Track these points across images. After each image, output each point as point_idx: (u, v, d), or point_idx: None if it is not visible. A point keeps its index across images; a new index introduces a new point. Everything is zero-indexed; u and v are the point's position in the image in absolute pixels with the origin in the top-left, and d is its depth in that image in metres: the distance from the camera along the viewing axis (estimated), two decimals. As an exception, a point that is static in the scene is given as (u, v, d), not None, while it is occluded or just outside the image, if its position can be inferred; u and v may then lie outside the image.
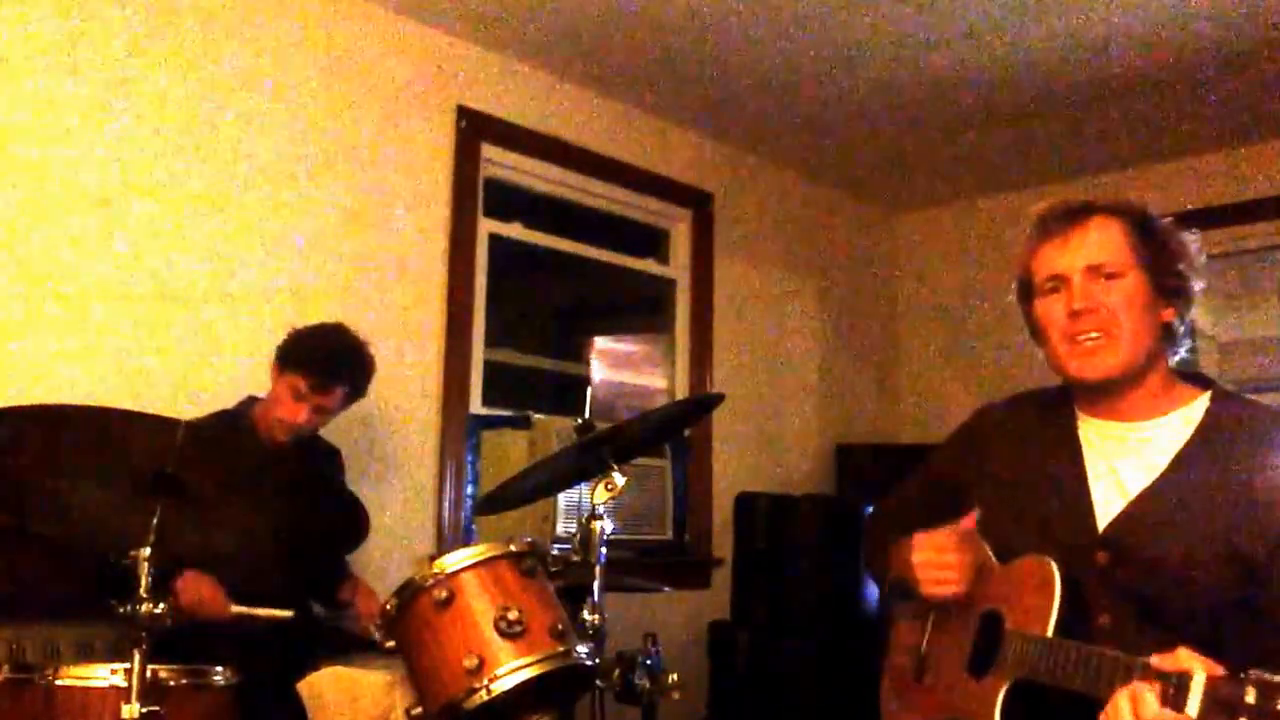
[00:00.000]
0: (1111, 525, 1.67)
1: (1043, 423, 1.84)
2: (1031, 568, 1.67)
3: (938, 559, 1.78)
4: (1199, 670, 1.32)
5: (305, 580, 2.83)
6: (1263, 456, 1.62)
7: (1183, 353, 1.76)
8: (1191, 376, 1.77)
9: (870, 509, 2.22)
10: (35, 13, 2.85)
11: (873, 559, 2.09)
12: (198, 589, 2.30)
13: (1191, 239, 1.74)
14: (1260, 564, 1.57)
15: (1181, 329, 1.74)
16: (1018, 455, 1.84)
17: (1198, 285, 1.73)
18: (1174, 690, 1.33)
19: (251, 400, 2.74)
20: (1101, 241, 1.70)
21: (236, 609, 2.29)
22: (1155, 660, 1.38)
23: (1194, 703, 1.31)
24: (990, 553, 1.80)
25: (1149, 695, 1.35)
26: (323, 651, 2.25)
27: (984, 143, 4.60)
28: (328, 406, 2.64)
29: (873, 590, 3.88)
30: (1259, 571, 1.57)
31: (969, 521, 1.83)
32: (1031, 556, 1.68)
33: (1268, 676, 1.24)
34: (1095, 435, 1.76)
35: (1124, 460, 1.72)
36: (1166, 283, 1.70)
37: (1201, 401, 1.71)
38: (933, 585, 1.78)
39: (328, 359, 2.61)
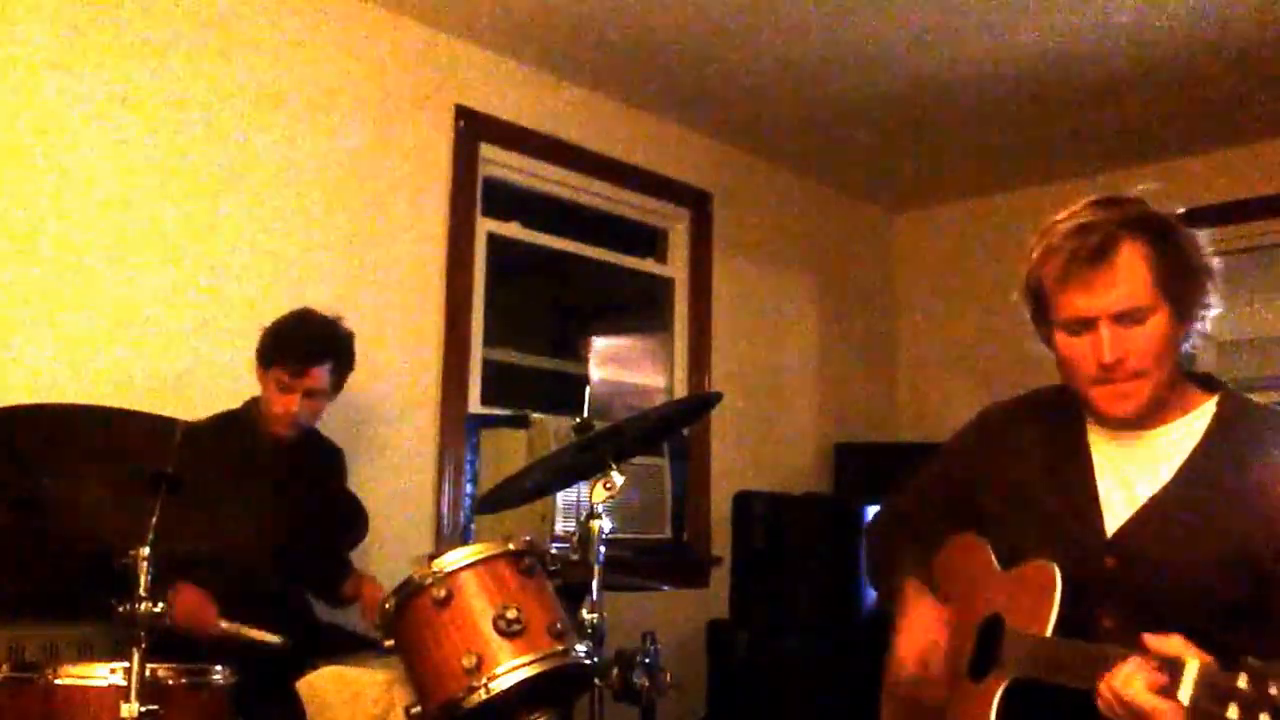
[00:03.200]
0: (1120, 530, 1.67)
1: (1050, 425, 1.84)
2: (1033, 572, 1.68)
3: (919, 658, 1.82)
4: (1191, 657, 1.34)
5: (306, 578, 2.84)
6: (1272, 461, 1.62)
7: (1185, 348, 1.75)
8: (1199, 378, 1.76)
9: (871, 514, 2.20)
10: (37, 16, 2.85)
11: (875, 569, 2.08)
12: (191, 603, 2.28)
13: (1214, 258, 1.69)
14: (1269, 569, 1.57)
15: (1193, 337, 1.72)
16: (1025, 458, 1.83)
17: (1215, 309, 1.70)
18: (1167, 676, 1.34)
19: (256, 401, 2.75)
20: (1129, 285, 1.62)
21: (225, 625, 2.28)
22: (1149, 639, 1.39)
23: (1186, 689, 1.32)
24: (993, 556, 1.80)
25: (1140, 677, 1.37)
26: (322, 651, 2.25)
27: (984, 143, 4.60)
28: (316, 388, 2.63)
29: (871, 590, 3.88)
30: (1268, 577, 1.57)
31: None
32: (1033, 561, 1.68)
33: (1259, 662, 1.25)
34: (1103, 440, 1.76)
35: (1132, 465, 1.71)
36: (1189, 311, 1.67)
37: (1209, 405, 1.70)
38: (903, 680, 1.83)
39: (299, 342, 2.62)
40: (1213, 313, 1.70)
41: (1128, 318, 1.63)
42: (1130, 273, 1.63)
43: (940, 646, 1.83)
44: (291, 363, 2.59)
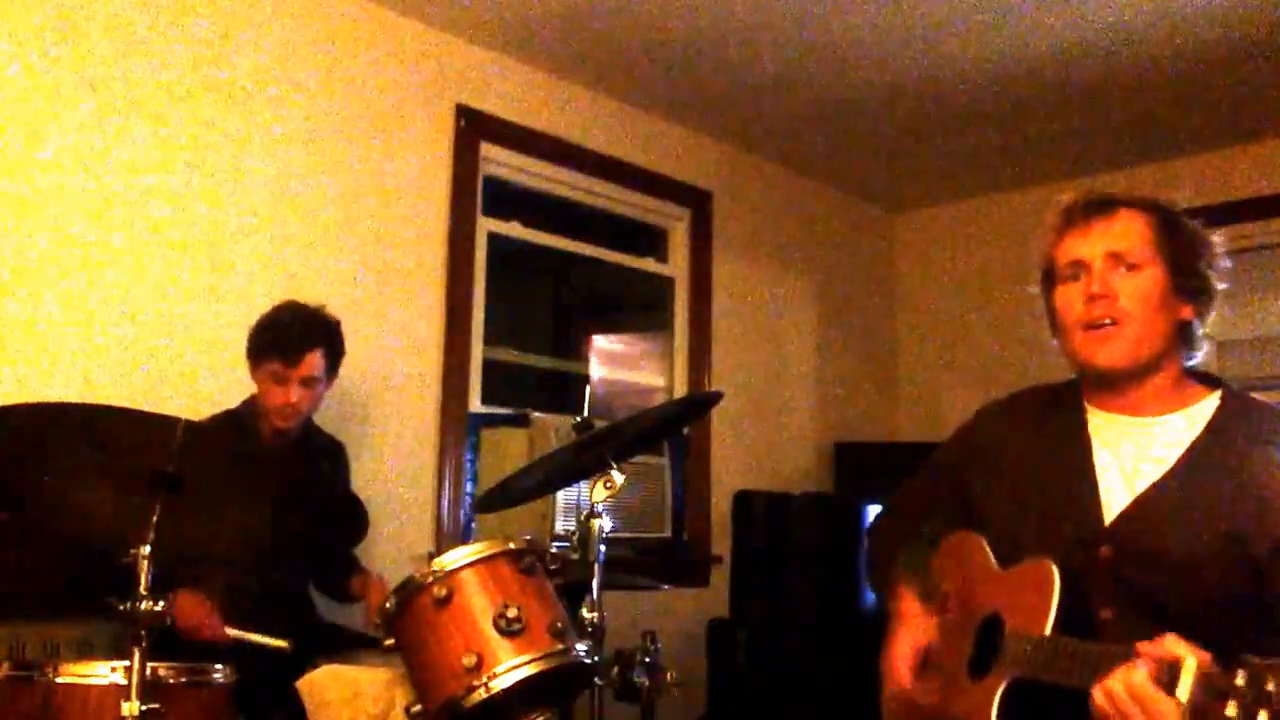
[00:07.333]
0: (1117, 519, 1.68)
1: (1050, 415, 1.84)
2: (1031, 570, 1.67)
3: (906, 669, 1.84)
4: (1189, 656, 1.34)
5: (311, 575, 2.84)
6: (1271, 456, 1.63)
7: (1199, 356, 1.76)
8: (1203, 376, 1.78)
9: (872, 517, 2.20)
10: (36, 15, 2.85)
11: (874, 570, 2.08)
12: (195, 613, 2.32)
13: (1216, 239, 1.75)
14: (1265, 562, 1.57)
15: (1200, 330, 1.74)
16: (1023, 448, 1.84)
17: (1219, 286, 1.73)
18: (1165, 675, 1.35)
19: (255, 399, 2.74)
20: (1125, 232, 1.71)
21: (232, 632, 2.31)
22: (1143, 647, 1.40)
23: (1184, 687, 1.32)
24: (990, 555, 1.80)
25: (1140, 673, 1.37)
26: (322, 650, 2.25)
27: (984, 143, 4.60)
28: (311, 375, 2.63)
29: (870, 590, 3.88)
30: (1263, 570, 1.57)
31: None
32: (1030, 560, 1.68)
33: (1257, 660, 1.25)
34: (1104, 428, 1.76)
35: (1132, 454, 1.72)
36: (1187, 281, 1.70)
37: (1212, 400, 1.72)
38: (893, 679, 1.85)
39: (289, 331, 2.62)
40: (1217, 291, 1.73)
41: (1120, 260, 1.69)
42: (1128, 224, 1.72)
43: (932, 651, 1.84)
44: (284, 353, 2.59)
